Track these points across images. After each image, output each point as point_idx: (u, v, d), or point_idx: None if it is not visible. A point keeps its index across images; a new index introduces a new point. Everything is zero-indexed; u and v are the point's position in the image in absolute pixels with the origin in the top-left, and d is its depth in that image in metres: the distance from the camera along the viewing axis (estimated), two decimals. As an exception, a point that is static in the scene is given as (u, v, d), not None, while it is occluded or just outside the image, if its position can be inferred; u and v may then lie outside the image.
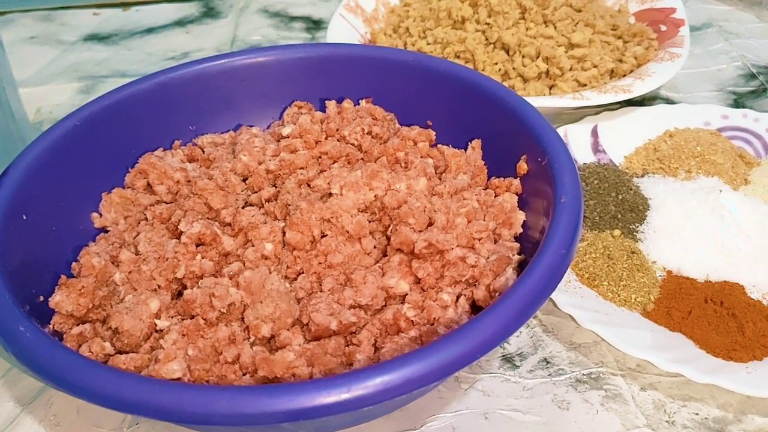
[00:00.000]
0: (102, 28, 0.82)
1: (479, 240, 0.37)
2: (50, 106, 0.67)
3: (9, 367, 0.40)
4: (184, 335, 0.33)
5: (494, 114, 0.42)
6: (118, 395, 0.26)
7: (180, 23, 0.82)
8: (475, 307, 0.35)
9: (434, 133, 0.45)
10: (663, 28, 0.63)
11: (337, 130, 0.45)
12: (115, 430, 0.36)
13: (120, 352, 0.33)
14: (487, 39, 0.60)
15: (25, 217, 0.37)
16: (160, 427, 0.36)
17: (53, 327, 0.34)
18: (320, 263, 0.36)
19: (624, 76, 0.58)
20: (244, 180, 0.43)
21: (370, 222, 0.38)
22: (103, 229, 0.42)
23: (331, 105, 0.46)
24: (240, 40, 0.77)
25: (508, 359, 0.40)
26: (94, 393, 0.26)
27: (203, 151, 0.46)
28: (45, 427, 0.37)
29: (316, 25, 0.80)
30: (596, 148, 0.53)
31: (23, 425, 0.37)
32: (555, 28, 0.60)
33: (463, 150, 0.43)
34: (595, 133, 0.54)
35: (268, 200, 0.41)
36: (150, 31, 0.81)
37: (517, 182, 0.40)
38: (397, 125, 0.47)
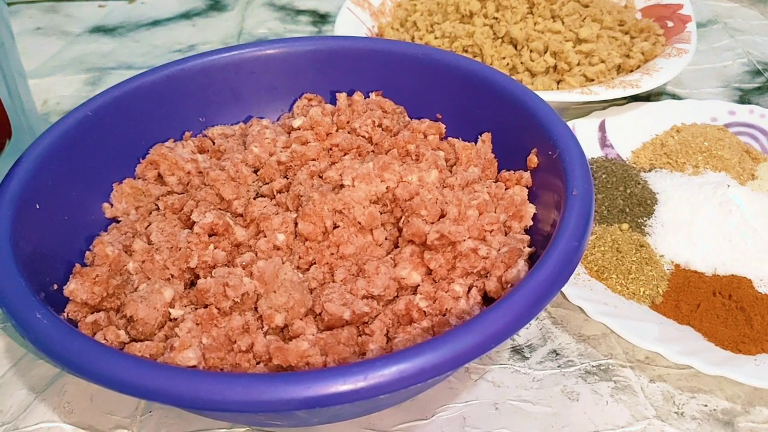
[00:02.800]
0: (107, 20, 0.82)
1: (490, 232, 0.37)
2: (57, 97, 0.67)
3: (22, 355, 0.40)
4: (198, 324, 0.33)
5: (504, 107, 0.42)
6: (137, 381, 0.26)
7: (186, 16, 0.82)
8: (487, 299, 0.35)
9: (444, 126, 0.46)
10: (670, 24, 0.63)
11: (348, 122, 0.45)
12: (128, 418, 0.37)
13: (134, 341, 0.34)
14: (495, 33, 0.60)
15: (37, 207, 0.37)
16: (173, 415, 0.37)
17: (67, 315, 0.35)
18: (332, 254, 0.37)
19: (631, 71, 0.58)
20: (256, 171, 0.43)
21: (381, 213, 0.38)
22: (114, 220, 0.42)
23: (341, 97, 0.46)
24: (246, 33, 0.77)
25: (517, 351, 0.40)
26: (113, 379, 0.27)
27: (213, 143, 0.46)
28: (58, 414, 0.37)
29: (322, 18, 0.80)
30: (604, 142, 0.54)
31: (36, 412, 0.37)
32: (563, 23, 0.60)
33: (473, 143, 0.43)
34: (602, 127, 0.54)
35: (280, 191, 0.41)
36: (156, 23, 0.81)
37: (527, 175, 0.40)
38: (407, 118, 0.47)
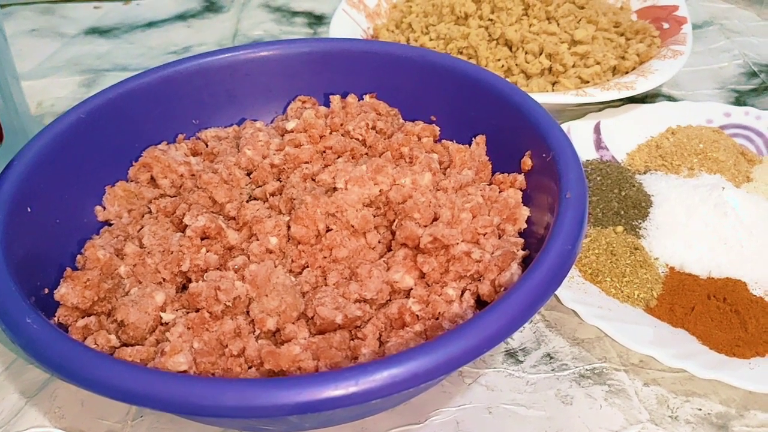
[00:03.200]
0: (103, 22, 0.82)
1: (484, 235, 0.37)
2: (51, 99, 0.67)
3: (13, 359, 0.40)
4: (189, 328, 0.33)
5: (498, 110, 0.42)
6: (127, 387, 0.26)
7: (181, 17, 0.82)
8: (480, 302, 0.35)
9: (438, 128, 0.45)
10: (665, 25, 0.63)
11: (341, 124, 0.45)
12: (119, 423, 0.36)
13: (125, 345, 0.33)
14: (490, 35, 0.60)
15: (29, 210, 0.37)
16: (164, 420, 0.36)
17: (58, 319, 0.34)
18: (325, 257, 0.37)
19: (626, 73, 0.58)
20: (249, 174, 0.43)
21: (374, 216, 0.38)
22: (107, 223, 0.42)
23: (335, 100, 0.46)
24: (242, 35, 0.77)
25: (511, 354, 0.40)
26: (103, 384, 0.26)
27: (207, 145, 0.46)
28: (49, 419, 0.37)
29: (318, 20, 0.80)
30: (599, 144, 0.53)
31: (28, 417, 0.37)
32: (558, 24, 0.60)
33: (467, 145, 0.43)
34: (597, 129, 0.54)
35: (273, 194, 0.41)
36: (151, 25, 0.81)
37: (521, 178, 0.40)
38: (401, 120, 0.47)
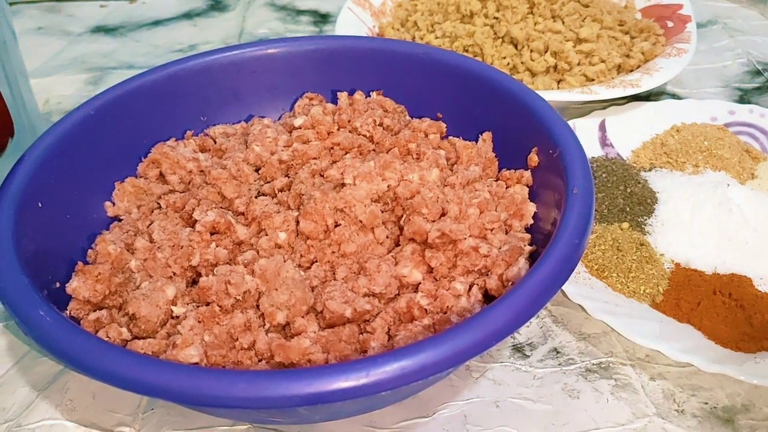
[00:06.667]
0: (109, 20, 0.82)
1: (491, 230, 0.37)
2: (58, 97, 0.67)
3: (24, 352, 0.40)
4: (200, 321, 0.33)
5: (505, 106, 0.43)
6: (140, 378, 0.27)
7: (187, 16, 0.82)
8: (488, 297, 0.35)
9: (445, 125, 0.46)
10: (670, 24, 0.63)
11: (349, 121, 0.45)
12: (130, 415, 0.37)
13: (137, 338, 0.34)
14: (495, 33, 0.60)
15: (40, 205, 0.37)
16: (175, 412, 0.37)
17: (70, 313, 0.35)
18: (333, 252, 0.37)
19: (631, 71, 0.58)
20: (257, 170, 0.43)
21: (382, 212, 0.39)
22: (116, 218, 0.42)
23: (342, 96, 0.47)
24: (247, 33, 0.78)
25: (518, 349, 0.40)
26: (116, 376, 0.27)
27: (215, 142, 0.46)
28: (60, 411, 0.37)
29: (323, 18, 0.80)
30: (604, 142, 0.54)
31: (39, 410, 0.37)
32: (563, 22, 0.60)
33: (474, 142, 0.43)
34: (602, 127, 0.54)
35: (281, 190, 0.41)
36: (157, 23, 0.81)
37: (527, 174, 0.40)
38: (408, 117, 0.47)
